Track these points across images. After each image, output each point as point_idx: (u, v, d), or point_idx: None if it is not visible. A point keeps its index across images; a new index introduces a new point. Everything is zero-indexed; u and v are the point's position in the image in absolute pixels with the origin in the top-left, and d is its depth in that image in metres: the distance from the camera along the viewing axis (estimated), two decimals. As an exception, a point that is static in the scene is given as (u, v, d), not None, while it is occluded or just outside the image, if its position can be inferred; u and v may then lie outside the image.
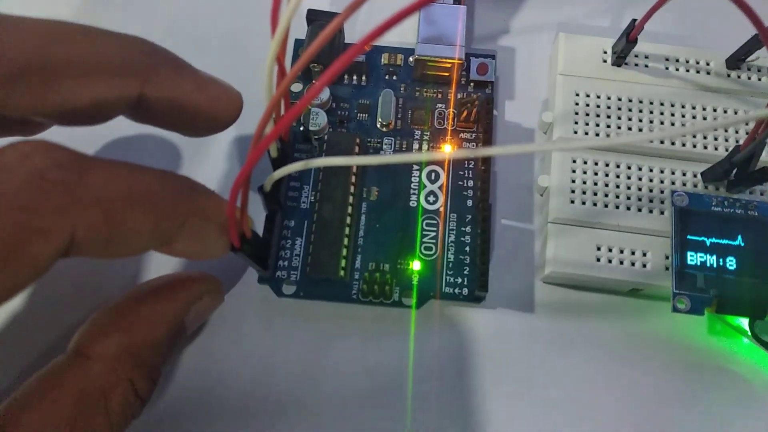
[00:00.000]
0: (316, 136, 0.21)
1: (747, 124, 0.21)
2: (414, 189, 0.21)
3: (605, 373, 0.20)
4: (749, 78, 0.22)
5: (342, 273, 0.19)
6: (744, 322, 0.20)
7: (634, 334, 0.20)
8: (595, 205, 0.20)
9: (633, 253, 0.20)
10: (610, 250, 0.20)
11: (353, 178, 0.20)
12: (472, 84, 0.23)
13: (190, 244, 0.15)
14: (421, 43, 0.22)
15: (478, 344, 0.20)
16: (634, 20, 0.20)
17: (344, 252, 0.19)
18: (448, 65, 0.22)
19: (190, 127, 0.17)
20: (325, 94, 0.22)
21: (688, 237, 0.19)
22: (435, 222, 0.21)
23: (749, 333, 0.19)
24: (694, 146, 0.21)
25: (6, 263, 0.12)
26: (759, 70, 0.22)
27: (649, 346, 0.20)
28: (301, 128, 0.21)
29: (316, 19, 0.22)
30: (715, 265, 0.19)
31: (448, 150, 0.22)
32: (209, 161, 0.23)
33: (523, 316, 0.21)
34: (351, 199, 0.20)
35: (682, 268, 0.19)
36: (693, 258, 0.19)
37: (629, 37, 0.21)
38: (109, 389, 0.15)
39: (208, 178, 0.22)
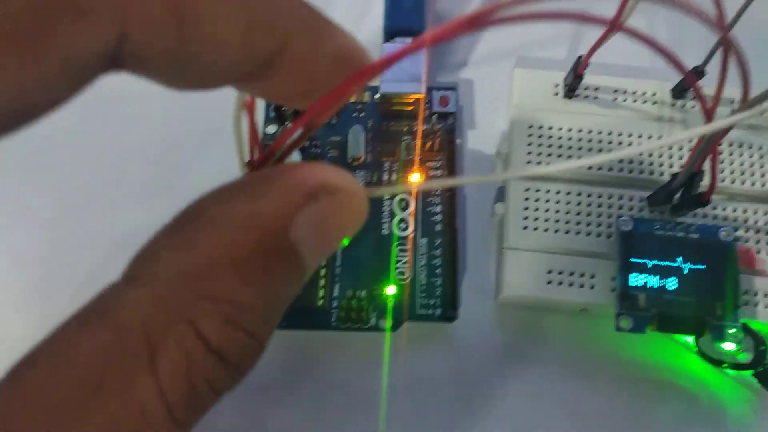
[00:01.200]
0: None
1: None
2: (385, 218, 0.22)
3: (558, 390, 0.21)
4: (694, 107, 0.23)
5: (320, 302, 0.21)
6: (690, 339, 0.21)
7: (585, 352, 0.21)
8: (546, 231, 0.21)
9: (582, 276, 0.21)
10: (561, 273, 0.21)
11: None
12: (435, 116, 0.24)
13: (293, 80, 0.11)
14: (385, 82, 0.23)
15: (444, 365, 0.21)
16: (580, 56, 0.22)
17: (322, 282, 0.21)
18: (412, 100, 0.24)
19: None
20: (298, 134, 0.23)
21: (631, 260, 0.20)
22: (407, 248, 0.22)
23: (695, 349, 0.20)
24: (641, 173, 0.22)
25: (27, 49, 0.08)
26: (702, 99, 0.23)
27: (600, 363, 0.21)
28: None
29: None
30: (656, 286, 0.20)
31: (415, 179, 0.23)
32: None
33: (486, 336, 0.22)
34: None
35: (625, 289, 0.20)
36: (635, 279, 0.20)
37: (576, 72, 0.22)
38: (157, 332, 0.09)
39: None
